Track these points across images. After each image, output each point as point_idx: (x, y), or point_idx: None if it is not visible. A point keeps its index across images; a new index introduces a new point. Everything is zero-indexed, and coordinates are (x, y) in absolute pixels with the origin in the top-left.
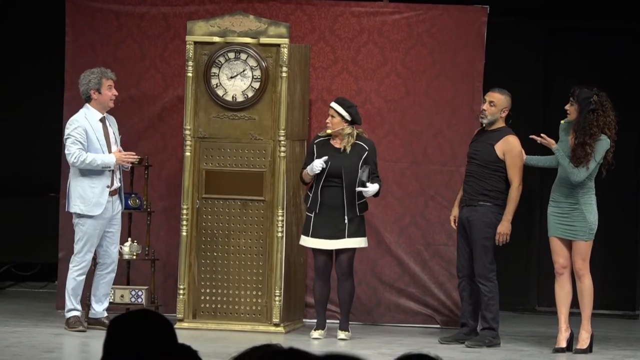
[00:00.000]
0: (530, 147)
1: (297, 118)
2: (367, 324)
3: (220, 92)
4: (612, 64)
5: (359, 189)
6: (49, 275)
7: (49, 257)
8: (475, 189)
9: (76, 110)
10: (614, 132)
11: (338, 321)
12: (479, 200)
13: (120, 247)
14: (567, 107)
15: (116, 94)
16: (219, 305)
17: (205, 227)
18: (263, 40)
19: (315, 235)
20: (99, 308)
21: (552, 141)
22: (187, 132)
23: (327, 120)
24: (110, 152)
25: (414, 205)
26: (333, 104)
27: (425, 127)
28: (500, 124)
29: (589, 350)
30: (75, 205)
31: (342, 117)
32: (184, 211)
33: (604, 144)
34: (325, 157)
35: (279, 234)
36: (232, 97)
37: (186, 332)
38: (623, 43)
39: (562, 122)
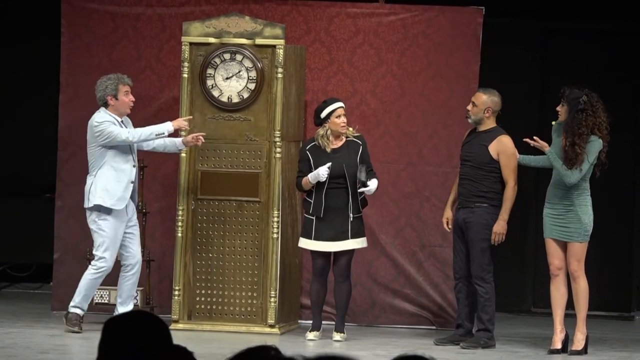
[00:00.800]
0: (526, 148)
1: (293, 119)
2: (362, 325)
3: (215, 93)
4: (608, 65)
5: (360, 189)
6: (44, 276)
7: (44, 258)
8: (470, 191)
9: (72, 111)
10: (606, 133)
11: (334, 322)
12: (475, 202)
13: None
14: (558, 108)
15: (133, 99)
16: (214, 307)
17: (201, 228)
18: (259, 41)
19: (318, 237)
20: (123, 310)
21: (545, 144)
22: (183, 133)
23: (344, 121)
24: (131, 153)
25: (410, 206)
26: (342, 103)
27: (420, 129)
28: (491, 124)
29: (584, 351)
30: (100, 198)
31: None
32: (180, 212)
33: (596, 145)
34: (329, 164)
35: (275, 235)
36: (228, 98)
37: (181, 333)
38: (619, 44)
39: (553, 123)
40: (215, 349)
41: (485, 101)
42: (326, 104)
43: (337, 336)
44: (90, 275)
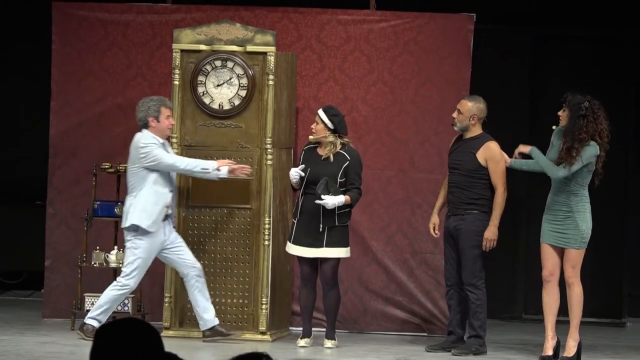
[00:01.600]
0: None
1: (284, 126)
2: (353, 332)
3: (207, 100)
4: (599, 71)
5: (316, 201)
6: (35, 283)
7: (35, 265)
8: (460, 199)
9: (63, 118)
10: (606, 141)
11: (325, 329)
12: (465, 209)
13: (107, 256)
14: (559, 113)
15: (173, 122)
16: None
17: (192, 235)
18: (250, 48)
19: (296, 242)
20: (208, 316)
21: (526, 147)
22: (174, 140)
23: (312, 126)
24: (169, 179)
25: (401, 213)
26: (319, 111)
27: (411, 135)
28: (477, 130)
29: (576, 358)
30: (137, 218)
31: (326, 125)
32: None
33: (592, 149)
34: (302, 166)
35: (266, 242)
36: (219, 105)
37: (173, 340)
38: (609, 51)
39: (553, 127)
40: (206, 356)
41: (471, 108)
42: None
43: (328, 343)
44: (114, 291)
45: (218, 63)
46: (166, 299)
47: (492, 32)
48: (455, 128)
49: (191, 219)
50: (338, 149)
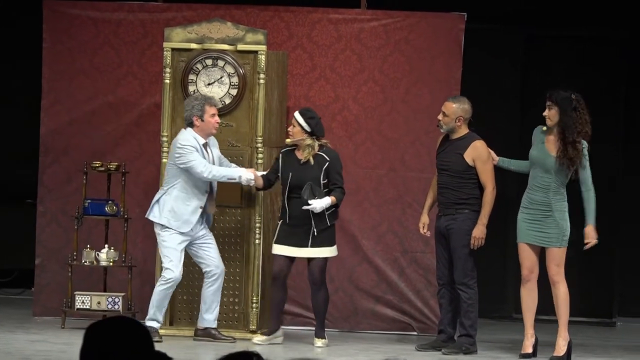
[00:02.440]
0: (507, 154)
1: (275, 125)
2: (344, 331)
3: None
4: (590, 71)
5: (304, 207)
6: (25, 281)
7: (25, 263)
8: (450, 199)
9: (54, 116)
10: (590, 134)
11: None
12: (457, 209)
13: (97, 254)
14: (545, 113)
15: (219, 121)
16: (196, 312)
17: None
18: (240, 47)
19: (279, 241)
20: (209, 317)
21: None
22: (165, 138)
23: (289, 129)
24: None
25: (391, 212)
26: (295, 114)
27: (402, 134)
28: (464, 131)
29: (566, 357)
30: (165, 218)
31: (302, 127)
32: None
33: (584, 143)
34: (258, 174)
35: (256, 241)
36: None
37: (163, 339)
38: (600, 51)
39: (543, 128)
40: (197, 355)
41: (456, 110)
42: None
43: (318, 342)
44: (160, 287)
45: (209, 62)
46: None
47: (483, 32)
48: (442, 130)
49: None
50: (316, 151)
